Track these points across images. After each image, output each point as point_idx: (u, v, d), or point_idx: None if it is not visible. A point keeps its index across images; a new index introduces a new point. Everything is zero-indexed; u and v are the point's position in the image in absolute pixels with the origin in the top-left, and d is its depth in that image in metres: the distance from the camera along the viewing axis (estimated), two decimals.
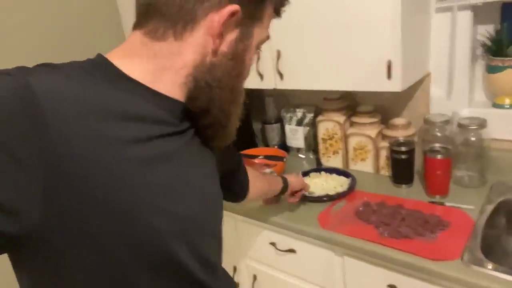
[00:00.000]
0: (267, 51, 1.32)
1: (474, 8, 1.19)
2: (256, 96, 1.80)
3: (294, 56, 1.27)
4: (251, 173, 0.97)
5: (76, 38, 1.62)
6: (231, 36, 0.53)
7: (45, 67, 0.46)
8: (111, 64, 0.50)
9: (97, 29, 1.71)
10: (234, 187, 0.93)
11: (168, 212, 0.50)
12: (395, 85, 1.10)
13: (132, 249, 0.48)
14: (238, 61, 0.55)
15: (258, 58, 1.35)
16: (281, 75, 1.33)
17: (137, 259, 0.49)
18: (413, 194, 1.23)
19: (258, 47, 0.60)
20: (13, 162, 0.39)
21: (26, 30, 1.47)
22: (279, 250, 1.27)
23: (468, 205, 1.11)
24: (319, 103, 1.53)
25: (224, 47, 0.53)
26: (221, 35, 0.52)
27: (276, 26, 1.26)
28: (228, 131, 0.60)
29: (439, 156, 1.15)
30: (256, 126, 1.86)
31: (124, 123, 0.47)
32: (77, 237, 0.44)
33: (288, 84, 1.33)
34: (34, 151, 0.39)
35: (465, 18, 1.20)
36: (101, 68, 0.49)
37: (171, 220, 0.51)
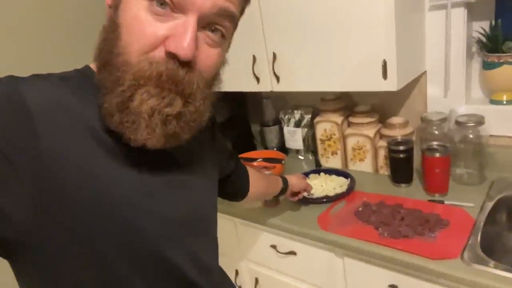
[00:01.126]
0: (263, 54, 1.33)
1: (468, 5, 1.19)
2: (254, 99, 1.80)
3: (290, 58, 1.27)
4: (251, 173, 0.97)
5: (72, 38, 1.62)
6: None
7: (35, 77, 0.47)
8: (94, 74, 0.50)
9: (94, 28, 1.70)
10: (234, 186, 0.92)
11: (154, 214, 0.51)
12: (391, 85, 1.10)
13: (121, 249, 0.49)
14: (113, 22, 0.47)
15: (254, 62, 1.35)
16: (277, 78, 1.33)
17: (127, 259, 0.50)
18: (413, 193, 1.22)
19: None
20: (4, 164, 0.40)
21: (21, 30, 1.46)
22: (280, 252, 1.27)
23: (468, 202, 1.11)
24: (316, 104, 1.53)
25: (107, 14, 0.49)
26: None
27: (271, 29, 1.29)
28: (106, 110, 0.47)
29: (437, 154, 1.15)
30: (255, 128, 1.86)
31: (109, 131, 0.47)
32: (66, 239, 0.45)
33: (284, 86, 1.33)
34: (23, 154, 0.41)
35: (459, 15, 1.20)
36: (86, 78, 0.50)
37: (158, 221, 0.52)
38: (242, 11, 0.53)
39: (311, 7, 1.16)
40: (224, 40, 0.50)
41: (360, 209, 1.17)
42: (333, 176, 1.39)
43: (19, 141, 0.41)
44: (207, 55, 0.48)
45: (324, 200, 1.25)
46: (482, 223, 1.02)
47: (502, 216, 1.14)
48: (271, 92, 1.40)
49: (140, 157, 0.50)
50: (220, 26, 0.48)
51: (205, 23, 0.47)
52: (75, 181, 0.44)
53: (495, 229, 1.10)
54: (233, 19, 0.49)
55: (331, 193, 1.28)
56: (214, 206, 0.67)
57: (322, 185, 1.33)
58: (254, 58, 1.35)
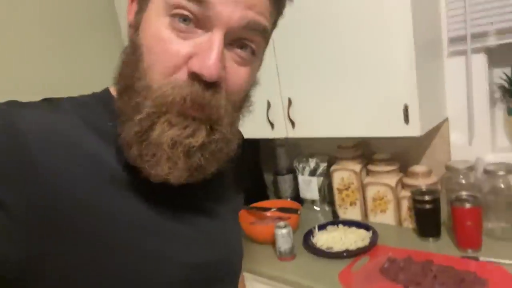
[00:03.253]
0: (277, 99, 1.30)
1: (488, 51, 1.17)
2: (267, 147, 1.76)
3: (306, 103, 1.24)
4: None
5: (73, 44, 1.61)
6: (132, 13, 0.45)
7: (37, 105, 0.43)
8: (112, 98, 0.46)
9: (95, 34, 1.69)
10: None
11: (164, 258, 0.45)
12: (414, 130, 1.05)
13: None
14: (133, 43, 0.43)
15: (269, 107, 1.32)
16: (292, 123, 1.29)
17: None
18: (442, 248, 1.12)
19: (167, 13, 0.41)
20: None
21: (21, 35, 1.46)
22: None
23: (505, 259, 1.00)
24: (332, 152, 1.48)
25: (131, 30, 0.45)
26: (129, 12, 0.46)
27: (286, 74, 1.27)
28: (130, 152, 0.42)
29: (467, 205, 1.06)
30: (268, 177, 1.79)
31: (116, 165, 0.43)
32: (65, 278, 0.40)
33: (300, 132, 1.29)
34: (18, 189, 0.37)
35: (479, 61, 1.17)
36: (102, 103, 0.47)
37: (168, 267, 0.45)
38: (274, 24, 0.48)
39: (328, 51, 1.14)
40: (255, 58, 0.45)
41: (385, 265, 1.06)
42: (353, 228, 1.29)
43: (12, 177, 0.37)
44: (236, 74, 0.43)
45: (345, 254, 1.15)
46: None
47: None
48: (286, 139, 1.35)
49: (157, 193, 0.44)
50: (249, 41, 0.43)
51: (233, 39, 0.42)
52: (74, 219, 0.39)
53: None
54: (264, 34, 0.44)
55: (352, 247, 1.18)
56: (238, 253, 0.59)
57: (341, 238, 1.23)
58: (269, 104, 1.33)
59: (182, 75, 0.40)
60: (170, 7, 0.40)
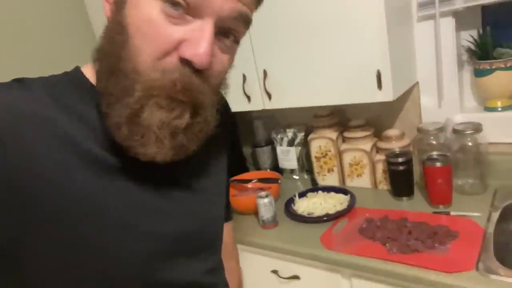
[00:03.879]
0: (253, 72, 1.30)
1: (456, 14, 1.20)
2: (245, 120, 1.77)
3: (281, 74, 1.24)
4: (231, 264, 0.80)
5: (44, 39, 1.55)
6: None
7: (10, 83, 0.43)
8: (83, 78, 0.47)
9: (66, 29, 1.63)
10: None
11: (146, 231, 0.46)
12: (387, 95, 1.08)
13: (106, 275, 0.44)
14: (118, 23, 0.43)
15: (245, 80, 1.32)
16: (269, 95, 1.30)
17: (111, 282, 0.45)
18: (416, 206, 1.18)
19: None
20: None
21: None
22: (282, 278, 1.19)
23: (474, 212, 1.07)
24: (309, 121, 1.50)
25: (108, 11, 0.45)
26: None
27: (260, 45, 1.27)
28: (120, 132, 0.42)
29: (438, 164, 1.12)
30: (247, 150, 1.81)
31: (87, 143, 0.43)
32: (45, 260, 0.41)
33: (276, 103, 1.30)
34: None
35: (447, 25, 1.20)
36: (73, 83, 0.46)
37: (151, 240, 0.47)
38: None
39: (301, 20, 1.14)
40: (236, 45, 0.47)
41: (364, 225, 1.11)
42: (332, 194, 1.34)
43: None
44: (220, 61, 0.45)
45: (325, 218, 1.19)
46: (492, 233, 0.98)
47: (510, 225, 1.10)
48: (263, 111, 1.36)
49: (132, 167, 0.45)
50: (234, 31, 0.45)
51: (220, 28, 0.43)
52: (50, 201, 0.39)
53: (505, 238, 1.06)
54: (249, 24, 0.46)
55: (332, 211, 1.22)
56: (220, 222, 0.61)
57: (321, 203, 1.28)
58: (244, 77, 1.33)
59: (172, 60, 0.41)
60: None
